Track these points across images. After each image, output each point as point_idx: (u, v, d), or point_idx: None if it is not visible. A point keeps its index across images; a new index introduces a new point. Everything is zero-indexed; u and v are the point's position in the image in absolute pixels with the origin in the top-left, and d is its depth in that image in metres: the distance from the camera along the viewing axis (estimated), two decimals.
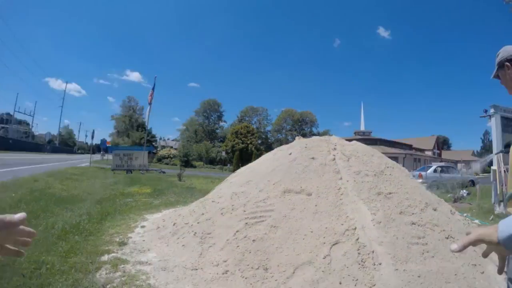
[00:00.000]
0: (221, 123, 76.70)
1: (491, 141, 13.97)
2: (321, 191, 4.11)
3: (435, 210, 4.24)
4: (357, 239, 3.32)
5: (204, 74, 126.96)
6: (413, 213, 3.90)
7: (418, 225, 3.72)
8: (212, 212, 4.42)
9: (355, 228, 3.46)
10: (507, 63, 1.90)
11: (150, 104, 24.27)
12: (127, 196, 9.21)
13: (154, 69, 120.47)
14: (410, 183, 4.75)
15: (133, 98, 71.24)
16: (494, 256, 1.03)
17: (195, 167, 46.57)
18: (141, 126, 59.31)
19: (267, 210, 3.92)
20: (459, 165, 40.49)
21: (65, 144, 79.05)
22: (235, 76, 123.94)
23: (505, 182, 8.20)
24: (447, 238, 3.68)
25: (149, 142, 50.87)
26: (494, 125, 10.08)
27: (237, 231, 3.71)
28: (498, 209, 8.43)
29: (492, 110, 10.24)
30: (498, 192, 8.80)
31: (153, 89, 24.56)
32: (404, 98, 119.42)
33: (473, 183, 18.03)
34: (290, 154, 5.20)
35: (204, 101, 73.38)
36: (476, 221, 6.72)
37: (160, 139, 79.06)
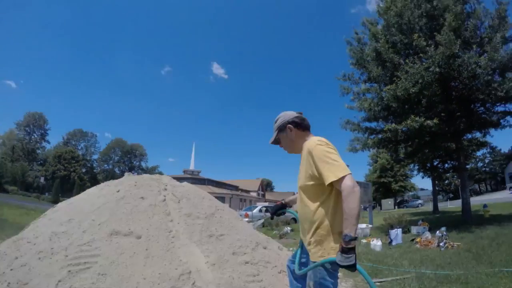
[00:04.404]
0: (44, 143, 66.47)
1: None
2: (151, 233, 3.87)
3: (265, 248, 4.59)
4: (194, 283, 3.24)
5: (25, 72, 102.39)
6: (245, 253, 4.11)
7: (252, 264, 3.94)
8: (28, 256, 3.57)
9: (190, 272, 3.37)
10: (289, 125, 2.21)
11: None
12: None
13: None
14: (240, 224, 5.03)
15: None
16: None
17: (7, 192, 38.49)
18: None
19: (93, 255, 3.42)
20: None
21: None
22: (62, 87, 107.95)
23: None
24: (280, 273, 4.02)
25: None
26: None
27: (59, 281, 3.07)
28: None
29: None
30: None
31: None
32: (233, 140, 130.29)
33: (295, 220, 20.52)
34: (118, 191, 4.79)
35: (29, 113, 62.53)
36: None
37: None
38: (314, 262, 1.96)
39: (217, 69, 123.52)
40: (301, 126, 2.22)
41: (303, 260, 2.28)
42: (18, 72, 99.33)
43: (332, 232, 1.92)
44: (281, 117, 2.29)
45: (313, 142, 2.01)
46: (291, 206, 2.71)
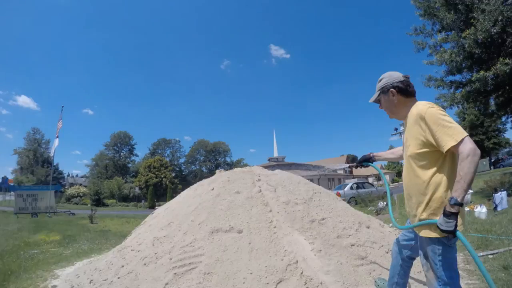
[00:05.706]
0: (133, 157, 73.48)
1: None
2: (252, 226, 3.75)
3: (368, 227, 4.23)
4: (302, 273, 3.04)
5: (97, 98, 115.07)
6: (350, 235, 3.82)
7: (358, 246, 3.65)
8: (133, 263, 3.73)
9: (297, 262, 3.18)
10: (392, 89, 2.01)
11: (57, 137, 22.18)
12: (33, 247, 7.92)
13: (44, 92, 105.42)
14: (339, 205, 4.71)
15: (38, 130, 64.21)
16: None
17: (107, 205, 43.04)
18: (47, 162, 52.55)
19: (196, 255, 3.41)
20: (369, 179, 43.78)
21: None
22: (136, 104, 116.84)
23: None
24: (387, 252, 3.66)
25: (55, 180, 45.81)
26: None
27: (166, 284, 3.12)
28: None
29: (402, 128, 11.41)
30: None
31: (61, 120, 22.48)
32: (310, 119, 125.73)
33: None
34: (213, 189, 4.78)
35: (114, 133, 69.75)
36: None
37: (68, 175, 71.84)
38: (425, 237, 1.85)
39: (276, 51, 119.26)
40: (406, 92, 2.02)
41: (411, 235, 2.30)
42: (92, 100, 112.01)
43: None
44: (385, 77, 2.10)
45: (424, 106, 1.83)
46: (375, 161, 2.73)
